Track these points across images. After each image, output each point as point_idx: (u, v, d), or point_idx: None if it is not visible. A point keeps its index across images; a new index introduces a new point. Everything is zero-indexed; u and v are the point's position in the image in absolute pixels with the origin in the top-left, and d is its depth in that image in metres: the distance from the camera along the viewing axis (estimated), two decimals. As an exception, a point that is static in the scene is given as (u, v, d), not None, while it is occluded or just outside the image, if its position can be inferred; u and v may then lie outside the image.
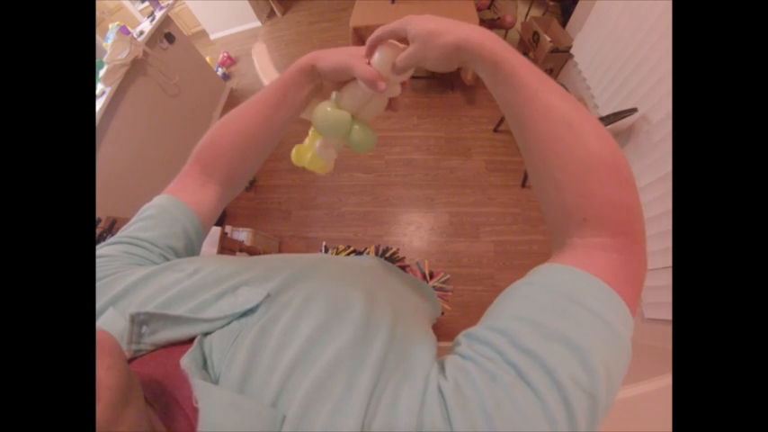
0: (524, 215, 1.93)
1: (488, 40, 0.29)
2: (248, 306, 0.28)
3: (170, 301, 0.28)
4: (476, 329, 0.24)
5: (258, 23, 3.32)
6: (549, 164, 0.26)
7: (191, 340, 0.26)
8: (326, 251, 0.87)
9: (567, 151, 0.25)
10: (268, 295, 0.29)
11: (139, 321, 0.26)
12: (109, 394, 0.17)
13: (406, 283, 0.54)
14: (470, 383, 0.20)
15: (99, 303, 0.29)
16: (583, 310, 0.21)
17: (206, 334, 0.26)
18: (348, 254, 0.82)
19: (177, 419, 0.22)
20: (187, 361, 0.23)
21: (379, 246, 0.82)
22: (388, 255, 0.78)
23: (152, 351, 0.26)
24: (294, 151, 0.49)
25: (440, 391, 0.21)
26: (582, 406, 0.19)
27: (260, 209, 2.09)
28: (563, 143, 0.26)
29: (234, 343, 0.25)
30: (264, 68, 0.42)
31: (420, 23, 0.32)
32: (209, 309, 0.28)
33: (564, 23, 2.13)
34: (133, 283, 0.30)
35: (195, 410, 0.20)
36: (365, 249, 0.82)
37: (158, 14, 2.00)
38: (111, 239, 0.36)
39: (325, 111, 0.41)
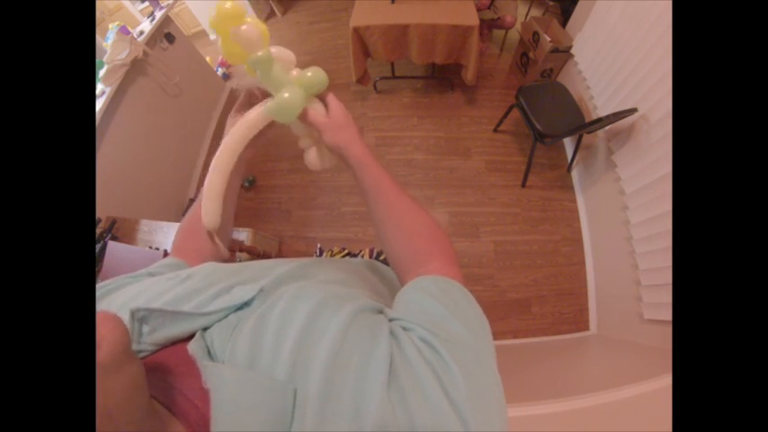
0: (524, 215, 1.93)
1: (365, 156, 0.42)
2: (244, 299, 0.29)
3: (166, 305, 0.29)
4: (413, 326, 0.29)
5: (258, 23, 3.33)
6: (408, 231, 0.40)
7: (190, 338, 0.27)
8: (321, 253, 0.86)
9: (420, 224, 0.40)
10: (261, 289, 0.30)
11: (140, 318, 0.26)
12: (110, 347, 0.17)
13: (393, 289, 0.54)
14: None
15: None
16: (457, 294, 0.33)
17: (205, 329, 0.27)
18: (343, 256, 0.81)
19: (186, 411, 0.22)
20: (194, 347, 0.24)
21: (374, 248, 0.80)
22: (382, 257, 0.75)
23: (153, 352, 0.27)
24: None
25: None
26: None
27: (260, 209, 2.09)
28: (417, 221, 0.40)
29: (233, 333, 0.26)
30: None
31: (331, 137, 0.43)
32: (205, 307, 0.28)
33: (564, 23, 2.13)
34: (131, 293, 0.32)
35: (203, 397, 0.21)
36: (360, 252, 0.80)
37: (158, 14, 1.99)
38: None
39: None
